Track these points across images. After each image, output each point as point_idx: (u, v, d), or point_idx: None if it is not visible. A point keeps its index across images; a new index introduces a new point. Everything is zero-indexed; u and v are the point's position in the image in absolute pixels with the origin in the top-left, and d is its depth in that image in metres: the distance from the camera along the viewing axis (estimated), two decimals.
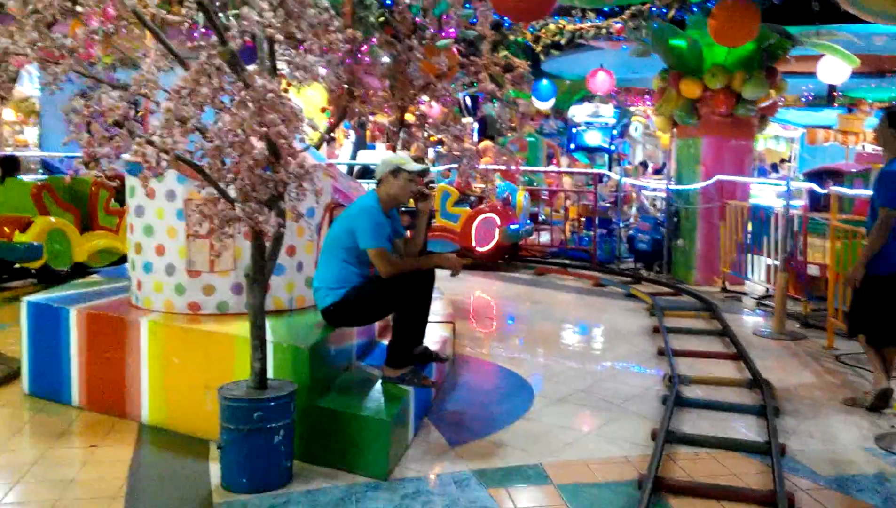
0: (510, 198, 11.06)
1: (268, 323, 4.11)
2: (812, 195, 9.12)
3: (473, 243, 10.64)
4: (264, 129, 3.33)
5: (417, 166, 4.57)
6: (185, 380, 4.37)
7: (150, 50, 4.19)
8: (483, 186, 10.44)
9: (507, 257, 11.37)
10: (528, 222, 11.65)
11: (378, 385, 4.38)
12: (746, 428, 4.78)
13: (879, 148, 5.49)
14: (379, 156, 4.54)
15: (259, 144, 3.46)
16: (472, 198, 10.88)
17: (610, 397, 5.34)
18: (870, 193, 5.41)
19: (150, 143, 3.25)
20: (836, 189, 7.74)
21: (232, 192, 3.50)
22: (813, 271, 8.14)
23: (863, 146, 17.12)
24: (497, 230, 10.50)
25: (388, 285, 4.35)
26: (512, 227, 10.56)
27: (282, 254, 4.49)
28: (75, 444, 4.37)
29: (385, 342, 4.65)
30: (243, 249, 4.26)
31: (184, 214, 4.57)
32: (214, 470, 3.88)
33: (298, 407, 3.88)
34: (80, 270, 8.30)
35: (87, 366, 4.75)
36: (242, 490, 3.67)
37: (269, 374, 3.93)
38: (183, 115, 3.31)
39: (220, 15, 4.78)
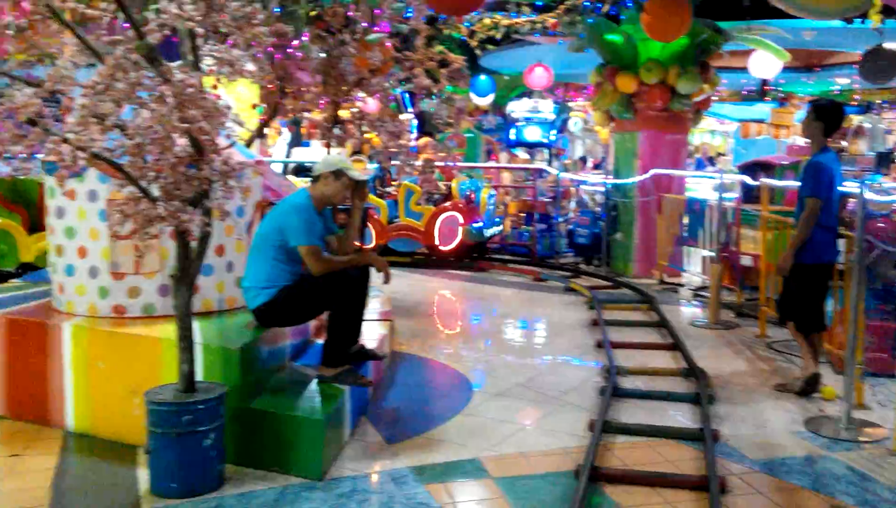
0: (473, 196, 10.91)
1: (197, 324, 4.04)
2: (745, 188, 9.31)
3: (437, 242, 10.54)
4: (185, 125, 3.25)
5: (361, 176, 4.57)
6: (111, 385, 4.27)
7: (66, 45, 4.06)
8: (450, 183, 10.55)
9: (475, 257, 11.20)
10: (497, 220, 11.52)
11: (312, 385, 4.34)
12: (681, 416, 4.88)
13: (807, 141, 5.63)
14: (317, 154, 4.49)
15: (182, 141, 3.39)
16: (437, 196, 10.72)
17: (549, 390, 5.38)
18: (798, 184, 5.55)
19: (66, 140, 3.16)
20: (766, 181, 7.89)
21: (156, 191, 3.42)
22: (746, 261, 8.32)
23: (794, 139, 17.55)
24: (460, 229, 10.42)
25: (320, 283, 4.31)
26: (476, 225, 10.46)
27: (210, 254, 4.42)
28: None
29: (321, 341, 4.60)
30: (169, 249, 4.16)
31: (106, 215, 4.45)
32: (143, 476, 3.81)
33: (229, 409, 3.82)
34: (30, 270, 8.14)
35: (7, 373, 4.60)
36: (172, 495, 3.60)
37: (199, 376, 3.87)
38: (100, 111, 3.23)
39: (142, 10, 4.66)
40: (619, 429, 4.56)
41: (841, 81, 17.09)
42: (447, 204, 10.53)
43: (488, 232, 10.87)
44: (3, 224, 8.40)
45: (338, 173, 4.45)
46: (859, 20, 8.42)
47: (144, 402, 3.64)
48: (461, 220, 10.40)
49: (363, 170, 11.59)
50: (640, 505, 3.64)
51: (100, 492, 3.79)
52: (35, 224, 8.75)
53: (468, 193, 10.63)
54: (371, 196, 10.48)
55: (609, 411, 4.80)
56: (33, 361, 4.49)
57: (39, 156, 3.52)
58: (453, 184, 10.77)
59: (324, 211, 4.57)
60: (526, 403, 5.14)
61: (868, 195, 4.93)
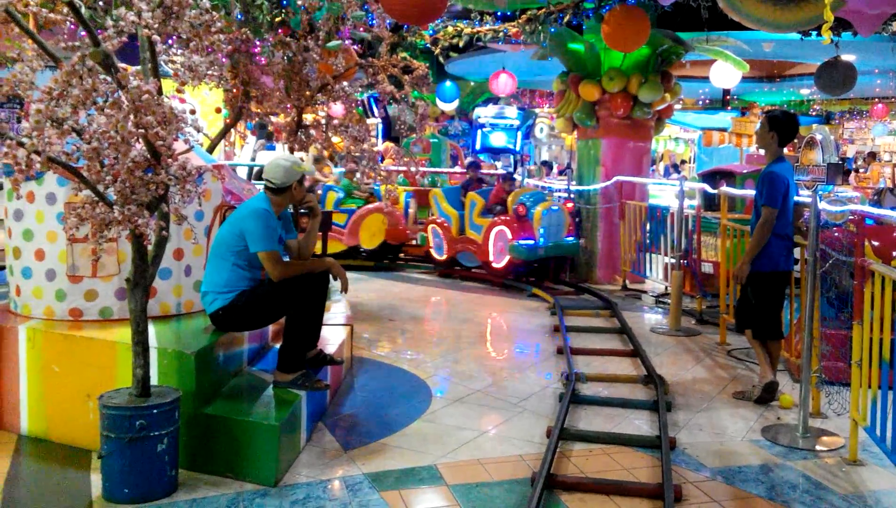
0: (523, 209, 9.75)
1: (154, 328, 4.03)
2: (706, 195, 9.44)
3: (491, 258, 9.88)
4: (141, 130, 3.25)
5: (311, 167, 4.58)
6: (66, 389, 4.23)
7: (26, 49, 4.03)
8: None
9: (391, 257, 11.42)
10: (565, 238, 9.93)
11: (269, 390, 4.34)
12: (640, 423, 4.92)
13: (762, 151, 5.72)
14: (272, 159, 4.46)
15: (138, 146, 3.38)
16: (497, 207, 10.10)
17: (508, 396, 5.41)
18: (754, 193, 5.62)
19: (21, 144, 3.14)
20: (725, 189, 8.00)
21: (113, 194, 3.41)
22: (707, 268, 8.43)
23: (755, 148, 17.87)
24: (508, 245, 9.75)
25: (279, 288, 4.31)
26: (524, 242, 9.43)
27: (168, 258, 4.41)
28: None
29: (278, 346, 4.58)
30: (127, 253, 4.13)
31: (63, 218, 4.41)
32: (96, 481, 3.77)
33: (184, 414, 3.81)
34: None
35: None
36: (124, 500, 3.59)
37: (154, 381, 3.85)
38: (57, 116, 3.21)
39: (105, 15, 4.64)
40: (577, 436, 4.59)
41: (802, 92, 17.42)
42: (501, 218, 9.62)
43: (542, 251, 9.42)
44: None
45: (301, 179, 4.49)
46: (815, 33, 8.60)
47: (98, 406, 3.62)
48: (509, 236, 9.38)
49: (329, 174, 11.59)
50: None
51: (52, 497, 3.75)
52: None
53: (518, 206, 9.53)
54: (447, 206, 10.35)
55: (567, 418, 4.82)
56: None
57: None
58: (510, 197, 9.81)
59: (283, 213, 4.57)
60: (485, 409, 5.16)
61: (822, 205, 5.00)
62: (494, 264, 9.69)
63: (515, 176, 11.44)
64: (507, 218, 9.51)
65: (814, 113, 19.91)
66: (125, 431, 3.52)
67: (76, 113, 3.28)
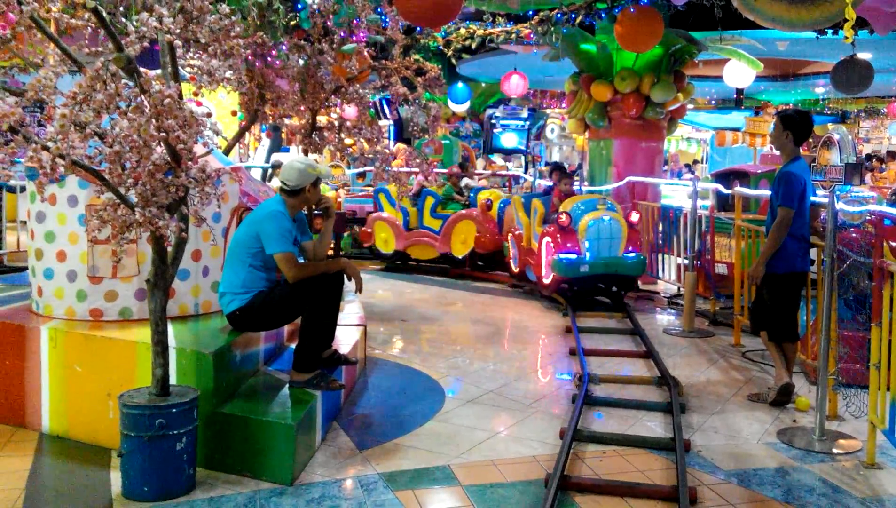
0: (566, 219, 8.68)
1: (172, 329, 4.11)
2: (719, 196, 9.45)
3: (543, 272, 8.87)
4: (162, 134, 3.33)
5: (326, 169, 4.63)
6: (87, 388, 4.32)
7: (49, 55, 4.13)
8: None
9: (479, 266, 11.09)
10: (626, 254, 8.48)
11: (285, 390, 4.41)
12: (653, 425, 4.93)
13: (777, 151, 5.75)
14: (287, 161, 4.53)
15: (159, 149, 3.46)
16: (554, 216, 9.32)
17: (521, 397, 5.46)
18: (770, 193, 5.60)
19: (46, 148, 3.22)
20: (740, 190, 8.00)
21: (134, 197, 3.49)
22: (721, 269, 8.44)
23: (770, 148, 17.83)
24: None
25: (295, 289, 4.38)
26: (566, 256, 8.25)
27: (187, 259, 4.49)
28: None
29: (293, 346, 4.66)
30: (147, 254, 4.23)
31: (84, 219, 4.51)
32: (115, 479, 3.85)
33: (202, 413, 3.88)
34: None
35: None
36: (144, 498, 3.66)
37: (173, 380, 3.93)
38: (81, 120, 3.29)
39: (124, 20, 4.72)
40: (591, 438, 4.61)
41: (817, 90, 17.38)
42: (550, 228, 8.56)
43: (586, 267, 8.18)
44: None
45: (316, 182, 4.56)
46: (831, 31, 8.60)
47: (118, 405, 3.70)
48: (552, 247, 8.39)
49: (341, 176, 11.68)
50: None
51: (72, 494, 3.83)
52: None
53: (560, 215, 8.41)
54: (522, 214, 9.39)
55: (580, 419, 4.84)
56: (10, 363, 4.54)
57: (22, 161, 3.58)
58: (563, 204, 8.79)
59: (298, 216, 4.64)
60: (498, 410, 5.20)
61: (839, 206, 4.94)
62: (544, 280, 8.58)
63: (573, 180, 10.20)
64: (553, 228, 8.45)
65: (829, 112, 19.84)
66: (145, 430, 3.60)
67: (99, 117, 3.35)
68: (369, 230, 11.24)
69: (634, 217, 8.62)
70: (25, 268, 5.73)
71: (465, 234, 10.33)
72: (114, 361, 4.26)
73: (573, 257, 8.15)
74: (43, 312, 4.73)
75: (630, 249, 8.33)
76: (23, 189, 9.87)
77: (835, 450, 4.59)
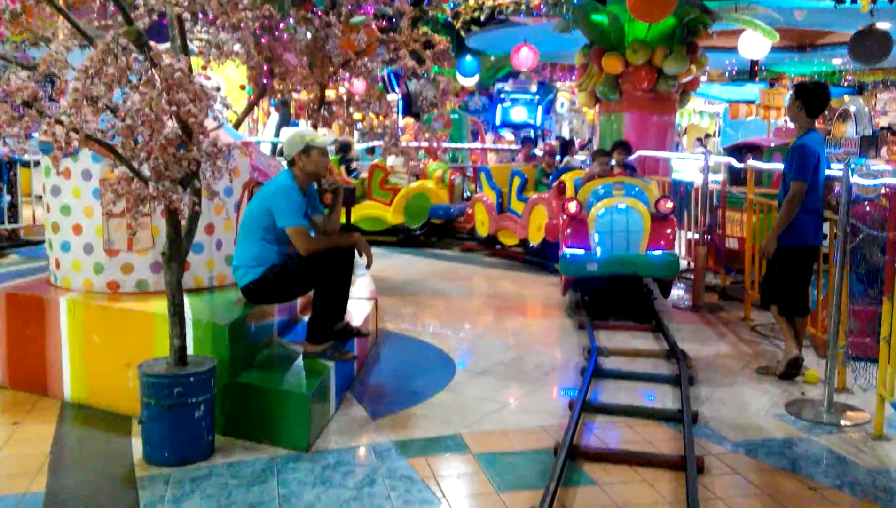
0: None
1: (188, 301, 4.26)
2: (731, 170, 9.49)
3: None
4: (173, 108, 3.43)
5: (326, 141, 4.70)
6: (106, 358, 4.50)
7: (59, 29, 4.23)
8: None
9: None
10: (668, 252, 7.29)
11: (299, 361, 4.57)
12: (661, 397, 5.07)
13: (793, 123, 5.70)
14: (285, 135, 4.63)
15: (171, 123, 3.56)
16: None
17: (530, 369, 5.61)
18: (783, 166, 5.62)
19: (59, 122, 3.33)
20: (752, 163, 8.02)
21: (147, 171, 3.60)
22: (732, 244, 8.52)
23: (784, 121, 17.78)
24: None
25: (307, 262, 4.51)
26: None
27: (200, 232, 4.64)
28: None
29: (307, 318, 4.81)
30: (161, 227, 4.36)
31: (99, 193, 4.65)
32: (137, 445, 4.03)
33: (219, 383, 4.05)
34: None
35: (6, 345, 4.86)
36: (164, 463, 3.83)
37: (190, 351, 4.09)
38: (93, 94, 3.39)
39: None
40: (599, 409, 4.75)
41: (834, 62, 17.28)
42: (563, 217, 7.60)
43: (596, 266, 6.97)
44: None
45: (306, 150, 4.61)
46: (849, 0, 8.60)
47: (138, 374, 3.86)
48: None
49: (351, 150, 11.78)
50: (617, 483, 3.80)
51: (96, 459, 4.01)
52: (360, 196, 11.08)
53: (567, 201, 7.54)
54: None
55: (589, 391, 4.98)
56: (31, 334, 4.73)
57: (36, 136, 3.69)
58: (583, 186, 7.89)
59: (309, 190, 4.75)
60: (507, 382, 5.35)
61: (853, 179, 4.95)
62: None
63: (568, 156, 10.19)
64: (563, 219, 7.54)
65: (846, 84, 19.75)
66: (164, 398, 3.77)
67: (111, 91, 3.45)
68: (470, 211, 11.13)
69: (667, 205, 7.22)
70: (42, 242, 5.90)
71: (540, 220, 9.38)
72: (132, 332, 4.43)
73: (580, 252, 7.03)
74: (61, 284, 4.90)
75: (655, 244, 6.99)
76: (37, 164, 10.06)
77: (843, 422, 4.68)
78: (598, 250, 6.96)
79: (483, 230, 10.72)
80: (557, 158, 11.08)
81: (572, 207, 7.29)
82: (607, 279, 7.13)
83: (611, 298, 7.31)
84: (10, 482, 3.68)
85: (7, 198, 9.38)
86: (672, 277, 7.16)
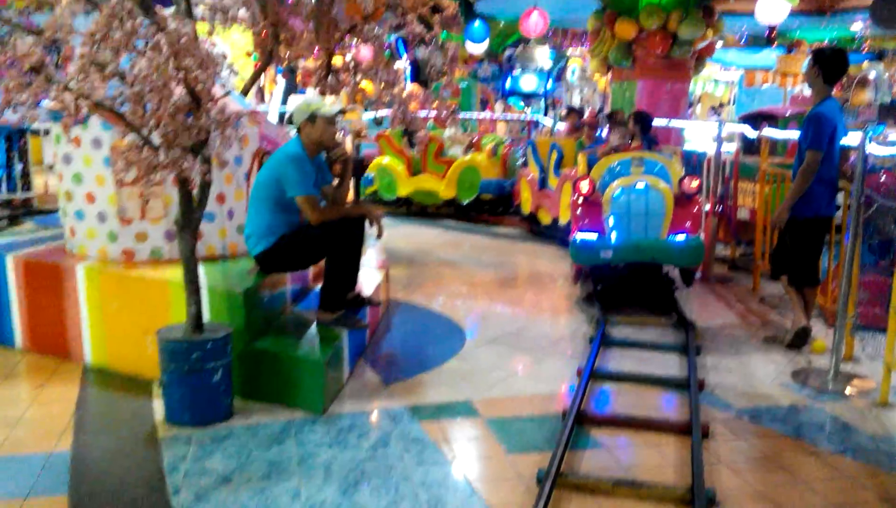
0: None
1: (202, 269, 4.49)
2: (745, 139, 9.53)
3: None
4: (181, 74, 3.57)
5: (332, 109, 4.82)
6: (125, 324, 4.76)
7: None
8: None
9: None
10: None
11: (312, 328, 4.80)
12: (668, 365, 5.26)
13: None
14: (292, 102, 4.74)
15: (179, 90, 3.70)
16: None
17: (538, 338, 5.83)
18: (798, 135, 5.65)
19: (68, 89, 3.48)
20: (766, 132, 8.07)
21: (157, 139, 3.76)
22: (743, 215, 8.65)
23: (801, 89, 17.73)
24: None
25: (318, 232, 4.68)
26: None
27: (212, 202, 4.83)
28: (22, 385, 4.77)
29: (319, 287, 5.00)
30: (173, 197, 4.57)
31: (110, 162, 4.85)
32: (158, 407, 4.30)
33: (236, 349, 4.29)
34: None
35: (27, 311, 5.14)
36: (186, 424, 4.09)
37: (206, 318, 4.31)
38: (100, 60, 3.53)
39: None
40: (607, 376, 4.96)
41: (854, 27, 17.20)
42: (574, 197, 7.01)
43: (610, 253, 6.37)
44: (390, 164, 11.36)
45: (312, 118, 4.74)
46: None
47: (157, 340, 4.10)
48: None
49: (357, 120, 11.89)
50: (623, 447, 4.00)
51: (119, 420, 4.28)
52: (416, 168, 11.64)
53: (579, 180, 6.92)
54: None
55: (597, 359, 5.19)
56: (51, 300, 4.99)
57: (44, 103, 3.84)
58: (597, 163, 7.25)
59: (318, 159, 4.89)
60: (516, 350, 5.56)
61: (869, 148, 4.97)
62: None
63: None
64: (574, 200, 6.97)
65: (866, 50, 19.68)
66: (182, 363, 4.01)
67: (117, 57, 3.58)
68: (517, 187, 10.97)
69: (692, 184, 6.60)
70: (55, 210, 6.11)
71: (568, 197, 8.48)
72: (148, 299, 4.67)
73: (592, 238, 6.48)
74: (77, 252, 5.14)
75: (680, 229, 6.40)
76: (47, 132, 10.27)
77: (848, 390, 4.85)
78: (614, 234, 6.38)
79: (526, 208, 10.46)
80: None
81: (584, 186, 6.71)
82: (623, 268, 6.70)
83: (627, 288, 6.84)
84: (37, 441, 3.95)
85: (19, 166, 9.59)
86: (696, 265, 6.54)
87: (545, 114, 16.51)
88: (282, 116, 12.01)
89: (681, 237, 6.31)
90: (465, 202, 11.28)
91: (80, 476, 3.57)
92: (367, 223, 4.89)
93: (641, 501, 3.41)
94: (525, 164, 10.89)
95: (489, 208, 11.50)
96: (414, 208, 11.93)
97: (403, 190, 11.57)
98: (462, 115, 13.36)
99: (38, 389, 4.66)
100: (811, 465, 3.84)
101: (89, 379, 4.81)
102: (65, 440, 3.95)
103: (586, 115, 10.87)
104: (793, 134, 7.98)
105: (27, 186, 9.88)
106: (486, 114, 15.17)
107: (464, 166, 11.19)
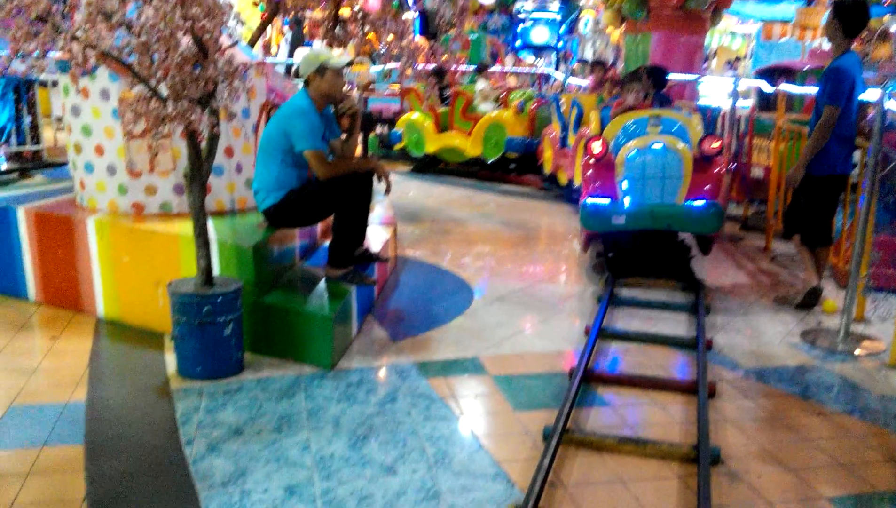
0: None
1: (212, 223, 4.58)
2: (761, 95, 9.47)
3: None
4: (188, 23, 3.60)
5: (341, 61, 4.83)
6: (136, 277, 4.86)
7: None
8: None
9: None
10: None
11: (321, 284, 4.89)
12: (677, 325, 5.33)
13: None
14: (300, 54, 4.70)
15: (186, 40, 3.73)
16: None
17: (547, 297, 5.92)
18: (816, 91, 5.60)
19: (75, 38, 3.52)
20: (784, 87, 8.01)
21: (165, 91, 3.81)
22: (757, 173, 8.67)
23: (820, 42, 17.55)
24: None
25: (326, 187, 4.73)
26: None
27: (220, 155, 4.91)
28: (36, 336, 4.90)
29: (327, 243, 5.09)
30: (182, 150, 4.63)
31: (119, 113, 4.90)
32: (170, 360, 4.42)
33: (246, 303, 4.38)
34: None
35: (40, 264, 5.25)
36: (198, 377, 4.21)
37: (216, 272, 4.40)
38: (106, 9, 3.56)
39: None
40: (615, 335, 5.04)
41: None
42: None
43: (623, 219, 6.03)
44: (417, 120, 11.18)
45: (321, 70, 4.75)
46: None
47: (168, 293, 4.20)
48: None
49: (365, 73, 11.87)
50: (630, 405, 4.09)
51: (132, 372, 4.40)
52: (444, 125, 11.46)
53: (591, 140, 6.41)
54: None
55: (605, 318, 5.26)
56: (63, 253, 5.10)
57: (52, 54, 3.88)
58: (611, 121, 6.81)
59: (326, 113, 4.92)
60: (524, 309, 5.65)
61: (889, 104, 4.94)
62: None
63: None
64: (584, 161, 6.58)
65: (888, 3, 19.45)
66: (194, 316, 4.10)
67: (124, 5, 3.61)
68: (541, 146, 10.67)
69: (713, 145, 6.21)
70: (64, 163, 6.19)
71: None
72: (159, 252, 4.76)
73: (604, 202, 6.11)
74: (87, 205, 5.24)
75: (699, 194, 6.03)
76: (55, 84, 10.29)
77: (857, 351, 4.91)
78: (627, 199, 6.03)
79: (548, 167, 10.13)
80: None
81: (597, 146, 6.29)
82: (636, 235, 6.35)
83: (640, 256, 6.48)
84: (52, 391, 4.08)
85: (28, 119, 9.65)
86: (716, 232, 6.15)
87: (556, 68, 16.39)
88: (288, 68, 12.01)
89: (699, 203, 5.95)
90: (491, 161, 11.09)
91: (95, 426, 3.69)
92: (375, 179, 4.93)
93: (646, 458, 3.50)
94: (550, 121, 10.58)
95: (516, 167, 11.31)
96: (441, 167, 11.85)
97: (431, 147, 11.43)
98: (469, 68, 13.27)
99: (52, 340, 4.78)
100: (818, 425, 3.90)
101: (102, 332, 4.93)
102: (79, 391, 4.07)
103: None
104: (811, 89, 7.88)
105: (36, 138, 9.93)
106: (496, 68, 15.06)
107: (489, 123, 10.97)
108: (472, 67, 13.04)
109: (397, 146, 11.86)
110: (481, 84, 11.46)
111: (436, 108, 11.50)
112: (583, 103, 9.11)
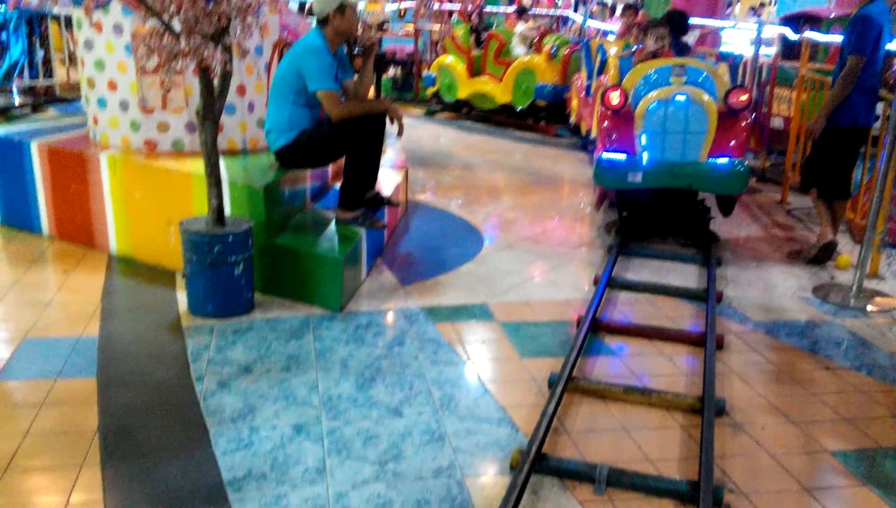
0: None
1: (223, 163, 4.63)
2: (785, 42, 9.36)
3: None
4: None
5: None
6: (148, 214, 4.95)
7: None
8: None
9: None
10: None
11: (331, 226, 4.96)
12: (688, 277, 5.38)
13: None
14: None
15: None
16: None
17: (557, 245, 5.97)
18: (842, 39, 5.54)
19: None
20: (808, 35, 7.89)
21: (177, 25, 3.83)
22: (777, 123, 8.61)
23: None
24: None
25: (338, 128, 4.77)
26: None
27: (232, 93, 4.94)
28: (49, 270, 5.02)
29: (338, 185, 5.13)
30: (194, 87, 4.66)
31: (131, 48, 4.94)
32: (181, 298, 4.54)
33: (256, 244, 4.47)
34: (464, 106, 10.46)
35: (53, 198, 5.35)
36: (208, 315, 4.31)
37: (227, 212, 4.47)
38: None
39: None
40: (624, 285, 5.10)
41: None
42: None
43: (640, 177, 5.71)
44: (451, 64, 11.16)
45: (341, 8, 4.74)
46: None
47: (179, 231, 4.28)
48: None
49: (379, 11, 11.76)
50: (637, 355, 4.15)
51: (144, 309, 4.51)
52: (477, 69, 11.10)
53: (608, 90, 6.04)
54: None
55: (615, 268, 5.32)
56: (75, 188, 5.19)
57: None
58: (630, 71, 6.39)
59: (339, 53, 4.93)
60: (534, 256, 5.71)
61: None
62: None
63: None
64: (600, 112, 6.20)
65: None
66: (205, 255, 4.19)
67: None
68: (569, 95, 10.38)
69: (741, 98, 5.81)
70: (76, 99, 6.23)
71: None
72: (171, 190, 4.83)
73: (620, 158, 5.78)
74: (100, 140, 5.31)
75: (723, 151, 5.70)
76: (68, 21, 10.28)
77: (869, 307, 4.93)
78: (645, 155, 5.71)
79: (574, 117, 9.94)
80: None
81: (615, 97, 5.92)
82: (654, 193, 6.09)
83: (656, 217, 6.28)
84: (66, 325, 4.19)
85: (41, 53, 9.66)
86: (739, 193, 5.86)
87: (575, 10, 16.16)
88: (302, 5, 11.90)
89: (723, 161, 5.64)
90: (520, 108, 10.86)
91: (107, 360, 3.80)
92: (387, 121, 4.95)
93: (651, 408, 3.56)
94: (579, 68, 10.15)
95: (545, 116, 10.99)
96: (474, 113, 11.62)
97: (463, 92, 11.23)
98: (489, 8, 13.12)
99: (65, 275, 4.90)
100: (824, 379, 3.93)
101: (115, 268, 5.05)
102: (92, 325, 4.19)
103: (618, 10, 10.54)
104: (836, 38, 7.84)
105: (49, 73, 9.97)
106: (514, 8, 14.86)
107: (520, 69, 10.72)
108: (495, 8, 12.93)
109: (430, 90, 11.70)
110: (520, 26, 11.27)
111: (469, 50, 11.26)
112: (608, 50, 8.68)
